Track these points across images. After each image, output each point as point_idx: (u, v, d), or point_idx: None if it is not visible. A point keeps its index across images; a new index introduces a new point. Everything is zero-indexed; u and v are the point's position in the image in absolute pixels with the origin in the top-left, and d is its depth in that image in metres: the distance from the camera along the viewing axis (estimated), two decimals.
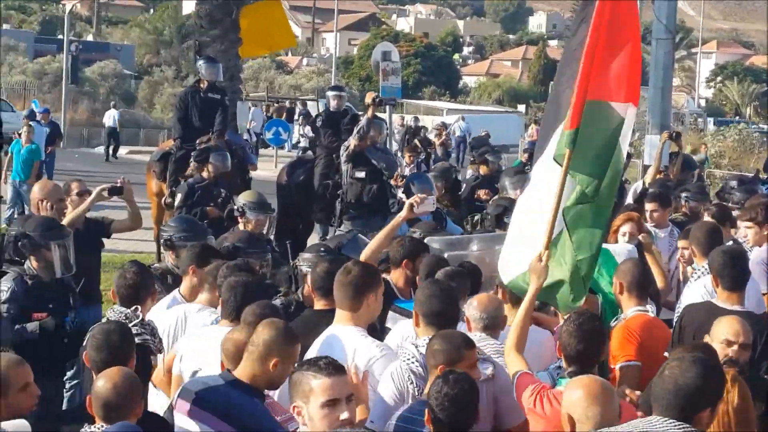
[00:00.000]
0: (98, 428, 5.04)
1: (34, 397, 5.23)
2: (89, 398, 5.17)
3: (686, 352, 4.87)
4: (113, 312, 6.76)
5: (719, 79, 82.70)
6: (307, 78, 69.18)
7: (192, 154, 13.79)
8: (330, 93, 15.73)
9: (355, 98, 45.26)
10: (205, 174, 12.84)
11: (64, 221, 8.68)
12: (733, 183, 13.21)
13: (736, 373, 5.21)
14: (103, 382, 5.10)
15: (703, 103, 78.92)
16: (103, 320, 6.76)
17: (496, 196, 12.71)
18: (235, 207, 10.59)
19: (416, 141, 24.57)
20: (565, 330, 5.72)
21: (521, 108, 69.03)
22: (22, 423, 4.94)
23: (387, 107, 22.58)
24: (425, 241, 8.46)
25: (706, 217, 10.39)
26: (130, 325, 6.49)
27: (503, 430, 5.66)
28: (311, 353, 5.89)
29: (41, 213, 8.83)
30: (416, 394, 5.64)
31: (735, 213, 11.08)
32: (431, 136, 33.01)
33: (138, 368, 5.96)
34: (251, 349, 5.39)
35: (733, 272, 6.99)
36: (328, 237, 13.31)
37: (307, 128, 39.96)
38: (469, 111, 59.93)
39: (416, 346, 5.81)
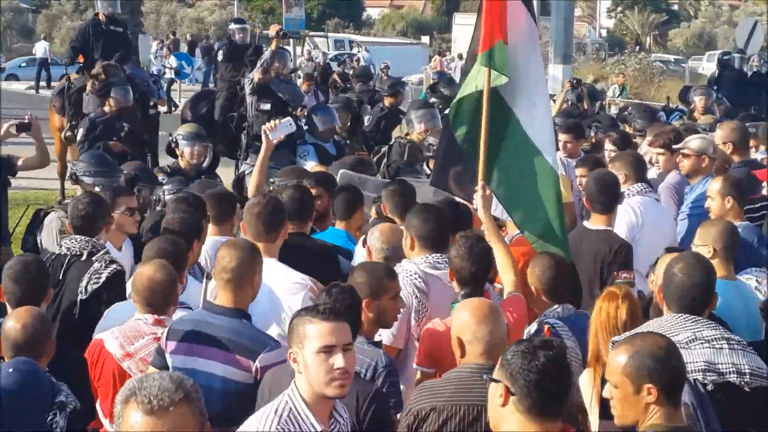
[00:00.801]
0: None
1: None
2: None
3: (685, 257, 5.50)
4: (73, 241, 6.67)
5: (620, 9, 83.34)
6: (209, 11, 68.25)
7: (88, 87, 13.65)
8: (233, 26, 15.65)
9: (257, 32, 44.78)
10: (106, 108, 12.69)
11: None
12: (631, 109, 13.52)
13: (628, 292, 5.46)
14: (12, 323, 5.04)
15: (604, 33, 79.54)
16: (61, 249, 6.71)
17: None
18: (171, 140, 10.45)
19: (335, 76, 24.52)
20: (457, 254, 5.87)
21: (425, 39, 68.97)
22: None
23: (291, 40, 22.43)
24: (340, 172, 8.58)
25: (608, 145, 10.69)
26: (99, 253, 6.53)
27: None
28: None
29: None
30: (419, 308, 6.00)
31: (636, 140, 11.39)
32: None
33: (119, 293, 6.18)
34: (224, 276, 5.35)
35: (602, 197, 7.43)
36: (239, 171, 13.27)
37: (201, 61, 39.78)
38: (374, 43, 59.73)
39: (416, 264, 6.13)
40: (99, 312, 6.24)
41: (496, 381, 4.01)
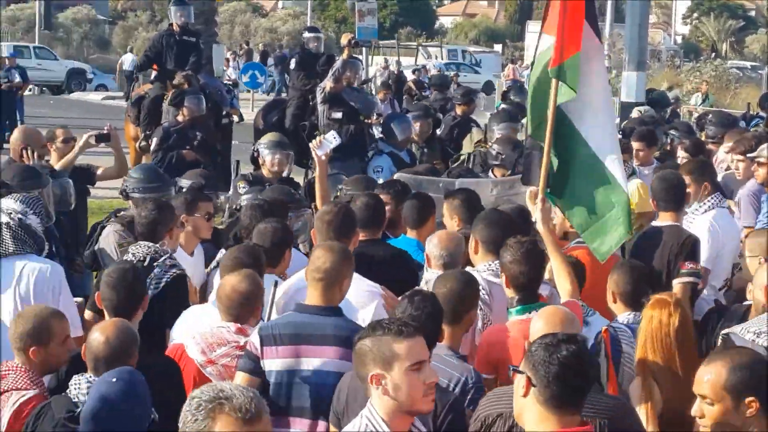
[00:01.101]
0: (89, 377, 5.00)
1: (70, 350, 5.30)
2: (84, 347, 5.17)
3: None
4: (138, 248, 6.75)
5: (696, 15, 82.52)
6: (282, 21, 68.66)
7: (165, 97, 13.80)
8: (307, 35, 15.71)
9: (331, 40, 45.02)
10: (180, 117, 12.79)
11: (59, 164, 8.70)
12: (711, 117, 13.35)
13: (678, 300, 5.40)
14: (96, 335, 5.08)
15: (679, 39, 78.80)
16: (127, 256, 6.78)
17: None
18: (253, 149, 10.49)
19: (410, 84, 24.54)
20: (511, 259, 5.81)
21: (498, 48, 68.80)
22: None
23: (363, 49, 22.49)
24: (396, 176, 8.53)
25: (681, 152, 10.58)
26: (161, 259, 6.60)
27: None
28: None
29: (24, 160, 8.76)
30: (484, 320, 5.98)
31: (710, 147, 11.26)
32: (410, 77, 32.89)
33: (180, 297, 6.24)
34: (316, 276, 5.45)
35: (667, 195, 7.47)
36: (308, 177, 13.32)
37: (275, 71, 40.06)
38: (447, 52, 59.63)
39: (479, 272, 6.10)
40: (161, 317, 6.31)
41: (520, 372, 4.08)
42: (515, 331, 5.64)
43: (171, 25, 15.62)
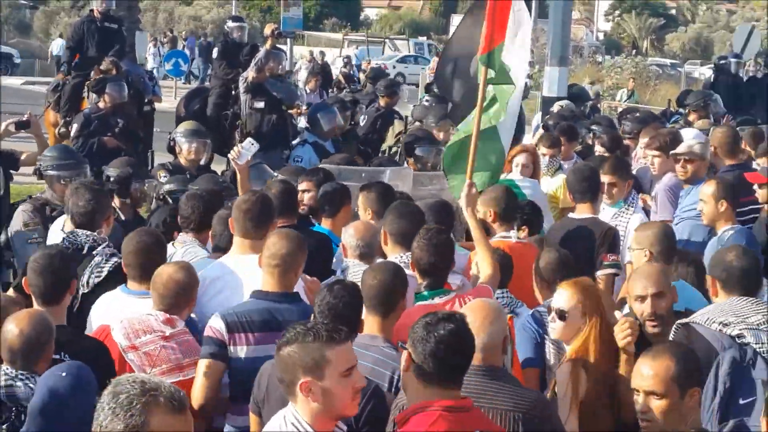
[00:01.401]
0: (5, 370, 4.94)
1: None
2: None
3: (734, 247, 5.96)
4: (74, 235, 6.70)
5: (618, 12, 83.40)
6: (207, 9, 68.19)
7: (86, 83, 13.66)
8: (231, 24, 15.64)
9: (256, 29, 44.82)
10: (101, 104, 12.67)
11: None
12: (629, 114, 13.56)
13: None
14: (11, 327, 5.01)
15: (601, 36, 79.59)
16: (63, 242, 6.72)
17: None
18: (170, 138, 10.45)
19: (340, 76, 24.51)
20: (417, 246, 5.91)
21: (422, 40, 68.98)
22: None
23: (288, 39, 22.42)
24: (319, 165, 8.62)
25: (598, 147, 10.77)
26: (100, 247, 6.56)
27: None
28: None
29: None
30: None
31: (626, 142, 11.45)
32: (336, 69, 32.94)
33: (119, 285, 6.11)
34: (272, 262, 5.55)
35: (582, 187, 7.75)
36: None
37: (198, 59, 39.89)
38: (371, 43, 59.66)
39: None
40: None
41: (404, 348, 4.30)
42: (421, 314, 5.68)
43: (92, 11, 15.46)
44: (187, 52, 39.32)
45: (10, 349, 4.96)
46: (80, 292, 6.37)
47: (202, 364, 5.49)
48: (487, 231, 7.08)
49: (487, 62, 7.27)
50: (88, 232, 6.74)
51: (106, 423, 3.27)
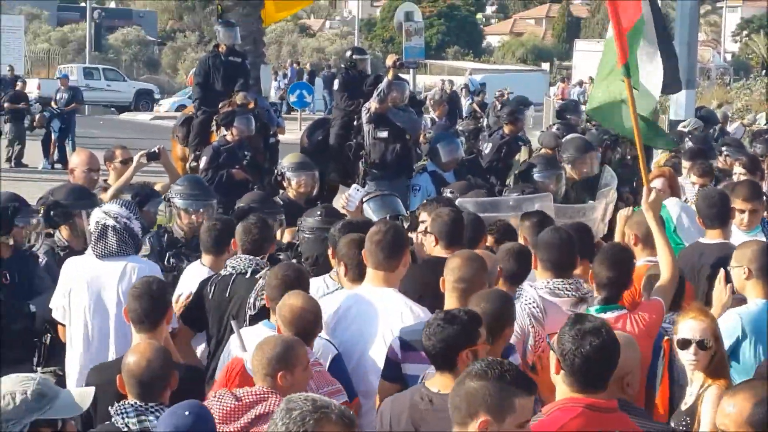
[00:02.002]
0: (135, 404, 4.99)
1: (309, 380, 5.34)
2: (119, 377, 5.17)
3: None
4: (238, 260, 6.92)
5: (745, 33, 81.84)
6: (330, 41, 68.96)
7: (214, 118, 13.85)
8: (355, 56, 15.66)
9: (378, 60, 45.17)
10: (229, 137, 12.84)
11: (110, 191, 8.87)
12: (761, 136, 13.26)
13: None
14: (135, 359, 5.08)
15: (729, 57, 78.22)
16: (226, 269, 6.96)
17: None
18: (276, 172, 10.51)
19: (474, 106, 24.53)
20: (597, 260, 6.12)
21: (545, 66, 68.67)
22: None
23: (411, 70, 22.47)
24: (457, 202, 8.50)
25: (737, 168, 10.48)
26: (263, 271, 6.69)
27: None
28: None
29: (85, 183, 8.87)
30: (536, 337, 6.00)
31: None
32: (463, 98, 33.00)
33: None
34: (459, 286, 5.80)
35: (711, 212, 7.65)
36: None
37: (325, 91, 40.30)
38: (494, 70, 59.66)
39: (536, 289, 6.17)
40: None
41: (553, 350, 4.53)
42: None
43: (217, 46, 15.69)
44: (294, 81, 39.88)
45: (139, 381, 5.01)
46: (248, 314, 6.53)
47: (382, 385, 5.60)
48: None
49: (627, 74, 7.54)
50: (252, 257, 6.93)
51: None
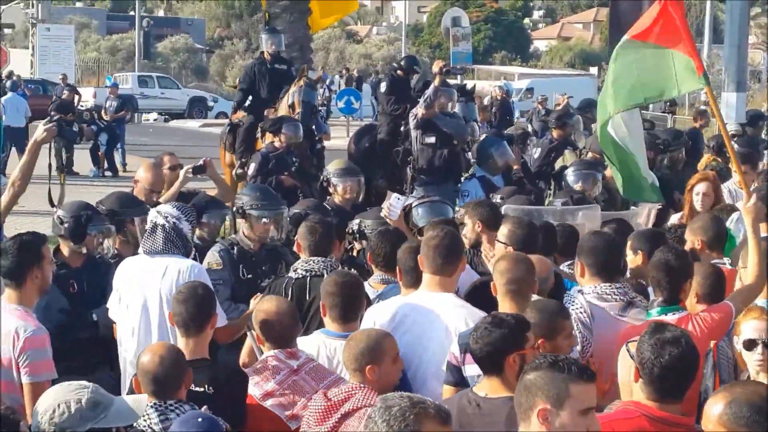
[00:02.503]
0: (156, 404, 5.01)
1: (400, 370, 5.44)
2: (135, 379, 5.22)
3: None
4: (311, 263, 6.99)
5: None
6: (377, 47, 69.07)
7: (259, 125, 13.92)
8: (406, 64, 15.61)
9: (426, 65, 45.16)
10: (277, 143, 12.88)
11: (162, 200, 8.86)
12: None
13: None
14: (149, 357, 5.13)
15: None
16: (296, 271, 7.03)
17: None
18: (322, 178, 10.52)
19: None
20: (652, 263, 6.09)
21: (593, 70, 68.27)
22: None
23: (458, 75, 22.38)
24: (503, 209, 8.49)
25: None
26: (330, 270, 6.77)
27: None
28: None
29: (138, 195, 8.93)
30: (584, 343, 5.96)
31: None
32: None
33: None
34: (510, 287, 5.83)
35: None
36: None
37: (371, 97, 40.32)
38: (542, 75, 59.45)
39: (583, 294, 6.18)
40: None
41: (632, 357, 4.66)
42: None
43: (263, 53, 15.75)
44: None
45: (154, 378, 5.05)
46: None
47: (446, 391, 5.58)
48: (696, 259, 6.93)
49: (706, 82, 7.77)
50: (323, 258, 7.03)
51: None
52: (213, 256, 8.05)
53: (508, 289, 5.78)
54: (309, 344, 5.99)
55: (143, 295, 6.86)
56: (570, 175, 10.73)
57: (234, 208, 8.74)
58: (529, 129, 19.47)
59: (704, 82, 7.68)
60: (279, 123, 13.11)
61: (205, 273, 7.06)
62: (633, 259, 6.93)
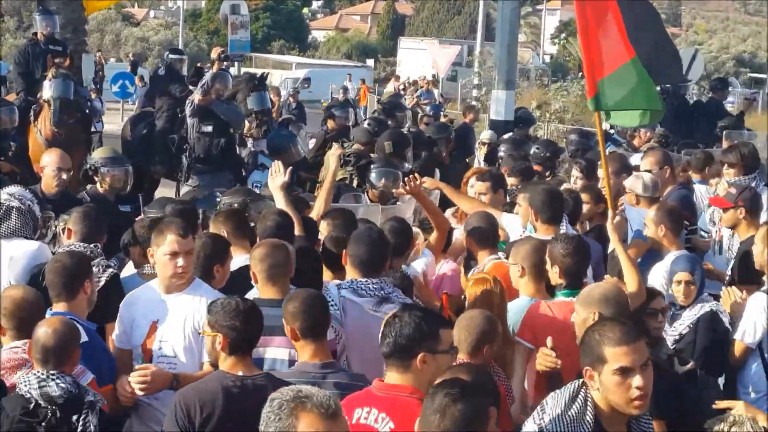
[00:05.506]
0: (37, 373, 5.19)
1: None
2: (29, 345, 5.42)
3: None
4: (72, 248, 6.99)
5: (563, 35, 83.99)
6: (154, 31, 67.95)
7: (33, 107, 13.59)
8: (172, 56, 15.48)
9: (203, 52, 44.80)
10: None
11: None
12: (574, 136, 13.69)
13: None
14: (44, 329, 5.31)
15: (548, 59, 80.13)
16: None
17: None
18: (87, 166, 10.13)
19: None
20: (563, 250, 6.57)
21: (370, 62, 69.13)
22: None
23: (236, 63, 22.38)
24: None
25: (575, 171, 10.48)
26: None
27: None
28: None
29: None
30: (334, 336, 5.94)
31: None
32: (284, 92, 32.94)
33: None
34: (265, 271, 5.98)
35: (550, 209, 7.72)
36: (182, 192, 13.26)
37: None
38: (319, 65, 59.82)
39: (341, 288, 6.23)
40: None
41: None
42: (559, 309, 6.37)
43: (35, 34, 15.35)
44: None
45: (44, 348, 5.23)
46: None
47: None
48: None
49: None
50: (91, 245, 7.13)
51: (263, 426, 3.64)
52: None
53: (266, 273, 5.94)
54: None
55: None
56: (373, 173, 10.81)
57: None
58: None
59: (592, 107, 7.91)
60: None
61: (48, 251, 7.23)
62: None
